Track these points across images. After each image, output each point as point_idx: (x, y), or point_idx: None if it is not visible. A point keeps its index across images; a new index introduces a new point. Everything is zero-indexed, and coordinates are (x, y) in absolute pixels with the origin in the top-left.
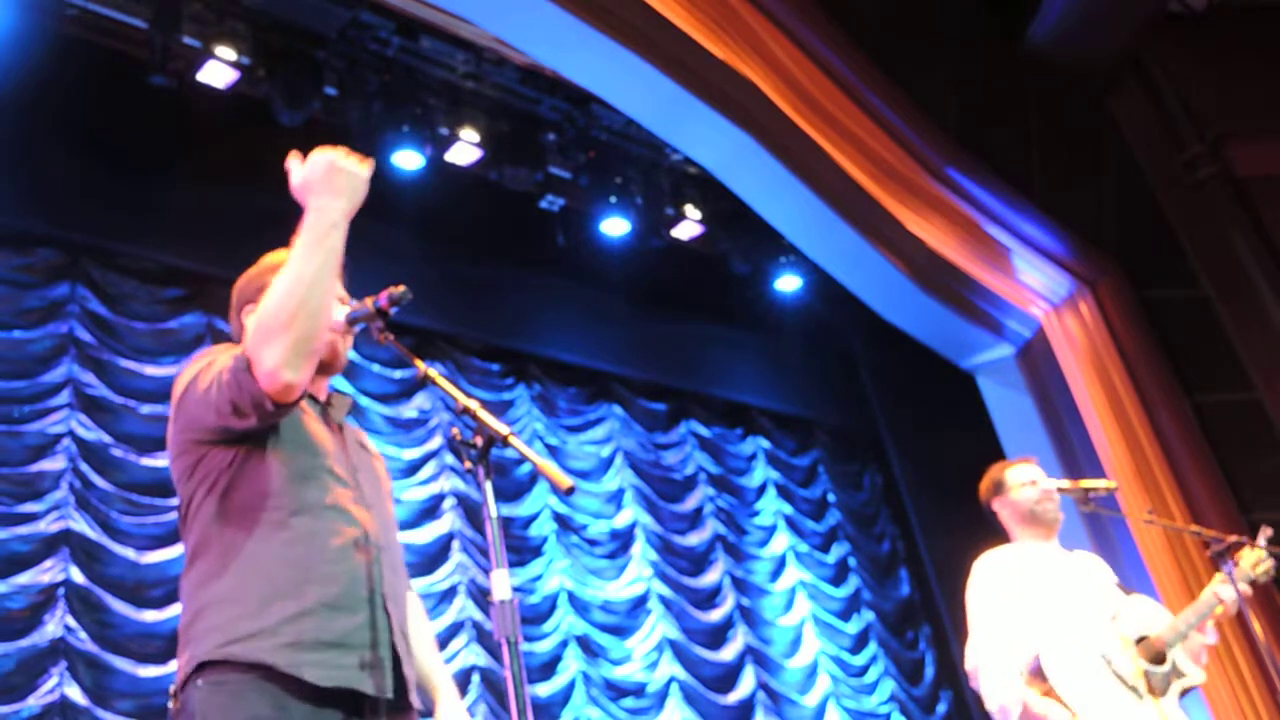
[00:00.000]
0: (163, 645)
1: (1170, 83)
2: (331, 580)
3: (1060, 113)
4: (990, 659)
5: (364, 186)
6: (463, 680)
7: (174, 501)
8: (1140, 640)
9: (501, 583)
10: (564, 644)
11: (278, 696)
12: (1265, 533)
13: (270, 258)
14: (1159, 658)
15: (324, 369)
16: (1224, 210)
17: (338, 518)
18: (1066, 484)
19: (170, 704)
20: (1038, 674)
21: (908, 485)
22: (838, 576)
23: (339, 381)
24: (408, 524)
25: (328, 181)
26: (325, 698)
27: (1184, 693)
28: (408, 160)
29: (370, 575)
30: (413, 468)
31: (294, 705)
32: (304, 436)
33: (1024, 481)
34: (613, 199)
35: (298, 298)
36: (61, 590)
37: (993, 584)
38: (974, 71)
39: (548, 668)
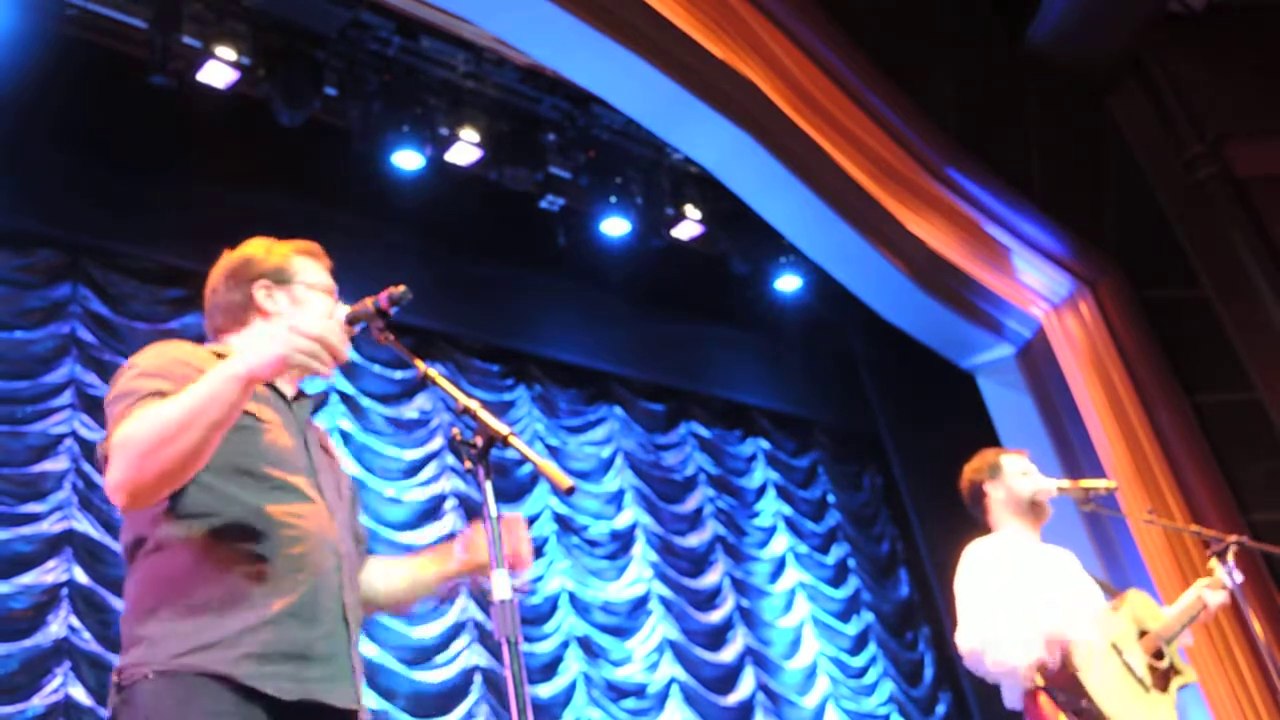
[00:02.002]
0: None
1: (1170, 83)
2: (294, 589)
3: (1060, 113)
4: (1005, 628)
5: (276, 367)
6: (465, 681)
7: None
8: (1142, 635)
9: (501, 583)
10: (565, 645)
11: (237, 702)
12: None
13: (285, 244)
14: (1158, 653)
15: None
16: (1224, 210)
17: (300, 524)
18: (1066, 484)
19: (112, 696)
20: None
21: (907, 486)
22: (837, 577)
23: (339, 382)
24: (409, 525)
25: (277, 336)
26: (286, 710)
27: (1179, 689)
28: (408, 160)
29: (332, 583)
30: (414, 468)
31: (255, 712)
32: (262, 441)
33: (1020, 471)
34: (613, 199)
35: (161, 440)
36: (65, 590)
37: (994, 568)
38: (974, 71)
39: (549, 668)
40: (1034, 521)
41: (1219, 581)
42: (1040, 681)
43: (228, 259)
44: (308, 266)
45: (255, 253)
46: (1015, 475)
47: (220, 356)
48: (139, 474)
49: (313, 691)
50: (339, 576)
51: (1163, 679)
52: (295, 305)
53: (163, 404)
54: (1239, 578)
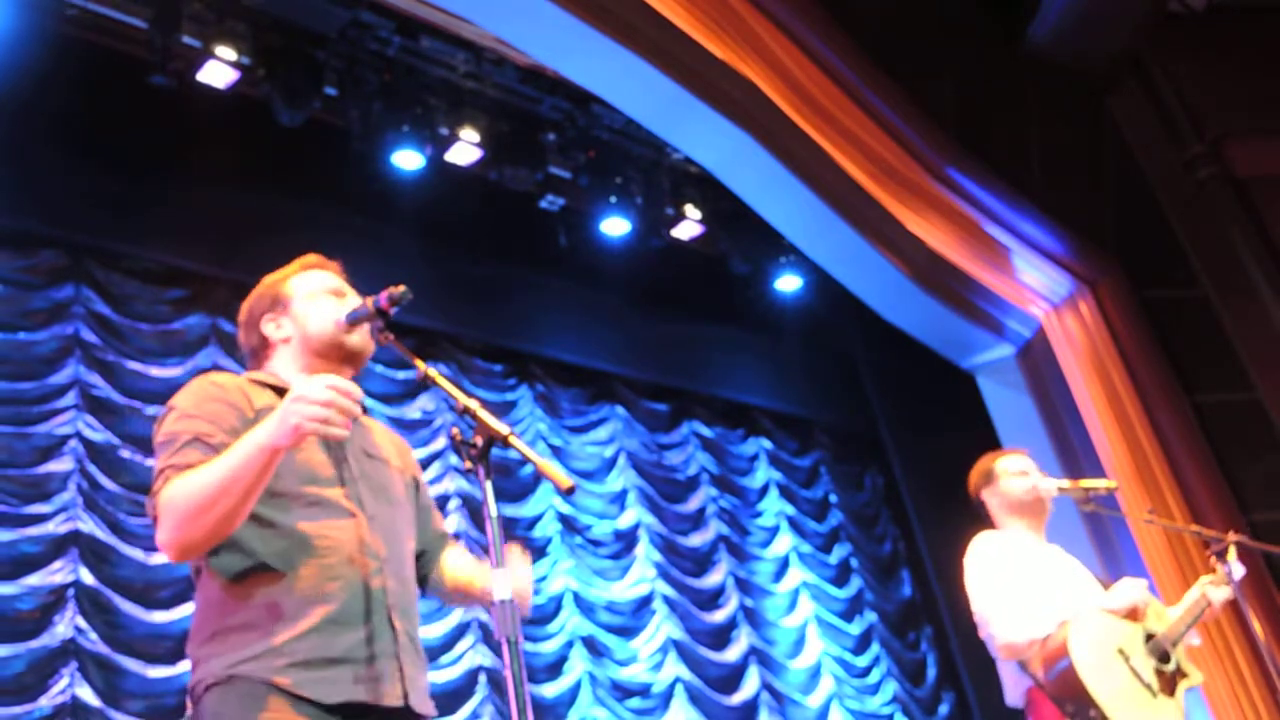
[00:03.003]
0: (172, 645)
1: (1170, 83)
2: (332, 598)
3: (1060, 113)
4: (1013, 603)
5: (293, 437)
6: (469, 681)
7: None
8: (1148, 638)
9: (502, 583)
10: (569, 645)
11: (290, 706)
12: (1233, 538)
13: (284, 270)
14: (1165, 656)
15: (350, 361)
16: (1224, 210)
17: (334, 535)
18: (1066, 484)
19: (188, 709)
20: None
21: (908, 486)
22: (840, 577)
23: None
24: None
25: (289, 408)
26: (335, 710)
27: (1186, 691)
28: (408, 160)
29: (371, 587)
30: None
31: (307, 716)
32: (295, 460)
33: (1015, 471)
34: (613, 199)
35: (201, 506)
36: (71, 591)
37: (1000, 557)
38: (974, 71)
39: (554, 668)
40: (1034, 519)
41: (1222, 578)
42: (1040, 677)
43: (242, 307)
44: (304, 280)
45: (257, 291)
46: (1009, 477)
47: (255, 383)
48: (186, 535)
49: (356, 693)
50: (380, 579)
51: (1170, 683)
52: (299, 323)
53: (200, 471)
54: (1242, 570)
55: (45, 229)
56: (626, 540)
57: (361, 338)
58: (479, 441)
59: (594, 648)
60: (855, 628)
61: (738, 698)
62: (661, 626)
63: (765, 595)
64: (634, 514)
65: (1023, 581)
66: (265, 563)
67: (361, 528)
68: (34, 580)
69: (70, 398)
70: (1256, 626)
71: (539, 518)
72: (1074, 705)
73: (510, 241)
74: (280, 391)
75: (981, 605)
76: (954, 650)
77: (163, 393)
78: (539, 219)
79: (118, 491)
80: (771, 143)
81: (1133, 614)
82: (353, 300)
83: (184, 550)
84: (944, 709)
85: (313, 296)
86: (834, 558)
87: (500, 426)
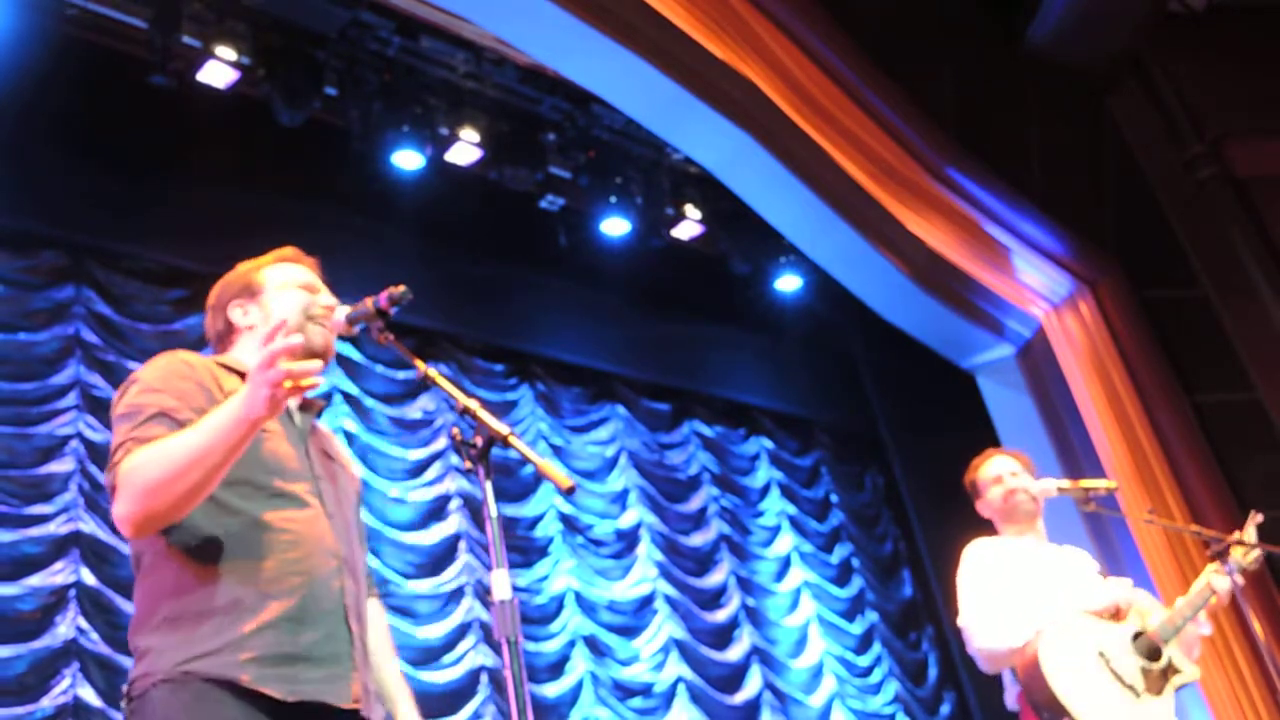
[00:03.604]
0: None
1: (1170, 83)
2: (293, 593)
3: (1060, 113)
4: (991, 613)
5: (269, 405)
6: (471, 681)
7: None
8: (1136, 636)
9: (501, 582)
10: (571, 644)
11: (242, 705)
12: (1255, 519)
13: (259, 259)
14: (1154, 653)
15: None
16: (1224, 210)
17: (297, 529)
18: (1066, 484)
19: (124, 705)
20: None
21: (908, 486)
22: (841, 577)
23: (342, 383)
24: (414, 525)
25: (253, 378)
26: (289, 711)
27: (1178, 689)
28: (408, 160)
29: (331, 587)
30: (418, 468)
31: (259, 715)
32: (261, 450)
33: (990, 480)
34: (613, 199)
35: (166, 478)
36: (73, 592)
37: (988, 565)
38: (974, 71)
39: (556, 668)
40: (1025, 523)
41: (1224, 569)
42: (1020, 684)
43: (212, 291)
44: (277, 272)
45: (228, 277)
46: (987, 485)
47: (223, 367)
48: (144, 508)
49: (313, 693)
50: (339, 579)
51: (1158, 681)
52: (265, 312)
53: (169, 441)
54: (1257, 554)
55: (45, 229)
56: (628, 540)
57: (322, 337)
58: (479, 441)
59: (596, 647)
60: (857, 627)
61: (740, 697)
62: (663, 626)
63: (767, 595)
64: (635, 513)
65: (1009, 588)
66: (227, 550)
67: (322, 524)
68: (35, 581)
69: (71, 398)
70: (1256, 626)
71: (540, 517)
72: (1049, 713)
73: (510, 241)
74: (245, 378)
75: (963, 619)
76: (955, 650)
77: None
78: (539, 219)
79: None
80: (771, 143)
81: (1116, 614)
82: (325, 296)
83: (142, 524)
84: (945, 709)
85: (284, 288)
86: (835, 557)
87: (500, 426)
